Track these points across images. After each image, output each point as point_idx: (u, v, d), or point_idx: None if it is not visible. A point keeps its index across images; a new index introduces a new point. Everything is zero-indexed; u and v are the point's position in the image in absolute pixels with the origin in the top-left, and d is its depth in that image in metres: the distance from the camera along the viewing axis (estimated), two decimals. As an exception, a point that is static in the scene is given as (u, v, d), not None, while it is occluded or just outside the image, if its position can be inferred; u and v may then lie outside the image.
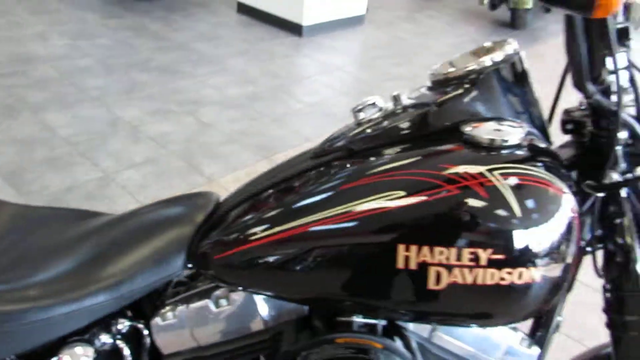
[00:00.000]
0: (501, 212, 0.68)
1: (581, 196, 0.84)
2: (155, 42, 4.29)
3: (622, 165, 0.82)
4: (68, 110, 3.13)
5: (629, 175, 0.81)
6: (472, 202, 0.68)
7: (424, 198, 0.70)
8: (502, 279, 0.70)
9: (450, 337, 0.85)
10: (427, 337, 0.85)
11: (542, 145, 0.78)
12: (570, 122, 0.89)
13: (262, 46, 4.51)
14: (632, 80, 0.81)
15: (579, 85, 0.79)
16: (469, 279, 0.70)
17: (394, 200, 0.71)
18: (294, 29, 4.83)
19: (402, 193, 0.71)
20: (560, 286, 0.75)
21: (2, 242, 0.90)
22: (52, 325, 0.81)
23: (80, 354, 0.83)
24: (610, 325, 0.92)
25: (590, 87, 0.77)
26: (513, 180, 0.69)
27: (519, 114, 0.82)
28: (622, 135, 0.81)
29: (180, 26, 4.70)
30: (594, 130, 0.84)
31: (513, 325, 0.87)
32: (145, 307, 0.91)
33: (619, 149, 0.81)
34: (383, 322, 0.83)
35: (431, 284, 0.71)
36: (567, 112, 0.91)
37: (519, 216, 0.68)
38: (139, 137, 2.94)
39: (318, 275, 0.75)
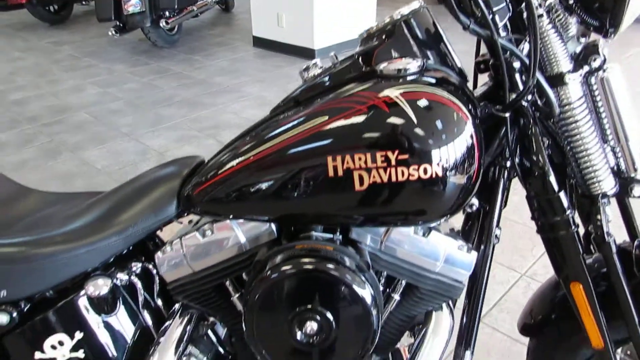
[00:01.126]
0: (400, 120, 0.86)
1: (495, 121, 1.00)
2: (178, 80, 4.66)
3: (521, 87, 0.97)
4: (103, 146, 3.46)
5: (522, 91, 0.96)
6: (378, 116, 0.87)
7: (341, 118, 0.89)
8: (411, 175, 0.87)
9: (397, 246, 1.01)
10: (377, 248, 1.02)
11: (448, 76, 0.96)
12: (482, 62, 1.06)
13: (278, 72, 4.81)
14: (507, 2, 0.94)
15: (455, 18, 0.90)
16: (385, 178, 0.88)
17: (321, 124, 0.90)
18: (307, 53, 5.12)
19: (326, 117, 0.90)
20: (469, 190, 0.92)
21: (31, 215, 1.14)
22: (75, 261, 1.02)
23: (101, 285, 1.04)
24: (540, 230, 1.06)
25: (463, 19, 0.92)
26: (411, 96, 0.87)
27: (432, 56, 1.00)
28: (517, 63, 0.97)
29: (201, 65, 5.08)
30: (495, 62, 1.01)
31: (452, 235, 1.03)
32: (153, 251, 1.13)
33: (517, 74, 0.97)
34: (339, 237, 1.01)
35: (357, 186, 0.89)
36: (481, 54, 1.07)
37: (415, 122, 0.86)
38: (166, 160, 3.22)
39: (277, 195, 0.94)
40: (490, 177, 1.07)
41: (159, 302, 1.13)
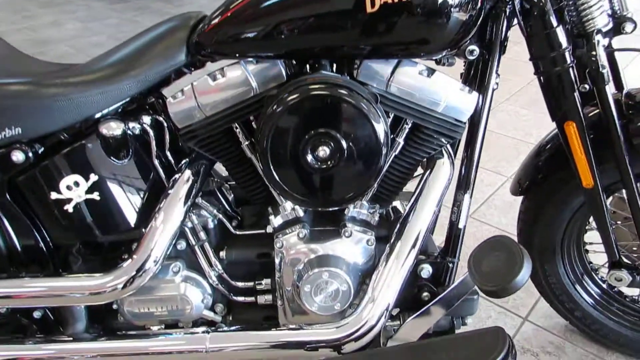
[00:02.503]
0: None
1: None
2: (159, 17, 4.57)
3: None
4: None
5: None
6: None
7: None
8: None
9: (402, 86, 1.05)
10: (384, 89, 1.05)
11: None
12: None
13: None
14: None
15: None
16: (397, -1, 0.91)
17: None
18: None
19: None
20: (469, 27, 0.98)
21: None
22: (88, 103, 1.04)
23: (114, 127, 1.06)
24: (538, 70, 1.11)
25: None
26: None
27: None
28: None
29: (181, 3, 4.97)
30: None
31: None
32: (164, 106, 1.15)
33: None
34: (346, 77, 1.04)
35: (368, 8, 0.92)
36: None
37: None
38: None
39: (286, 27, 0.97)
40: (490, 26, 1.10)
41: (170, 156, 1.16)
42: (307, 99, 0.97)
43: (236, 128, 1.10)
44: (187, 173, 1.12)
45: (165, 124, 1.13)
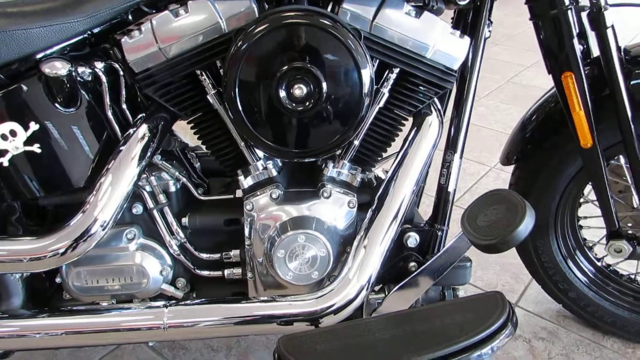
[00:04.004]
0: None
1: None
2: None
3: None
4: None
5: None
6: None
7: None
8: None
9: (388, 26, 0.95)
10: (367, 30, 0.95)
11: None
12: None
13: None
14: None
15: None
16: None
17: None
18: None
19: None
20: None
21: None
22: (28, 38, 0.90)
23: (59, 67, 0.92)
24: (534, 14, 1.02)
25: None
26: None
27: None
28: None
29: None
30: None
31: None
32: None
33: None
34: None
35: None
36: None
37: None
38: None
39: None
40: None
41: (126, 110, 1.02)
42: (284, 27, 0.86)
43: (201, 75, 0.98)
44: (143, 128, 0.99)
45: (121, 72, 1.00)
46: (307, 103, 0.89)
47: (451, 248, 0.97)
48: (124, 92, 1.01)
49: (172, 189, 1.06)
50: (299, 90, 0.87)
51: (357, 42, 0.88)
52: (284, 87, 0.88)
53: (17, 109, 0.94)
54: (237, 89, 0.88)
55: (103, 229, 0.94)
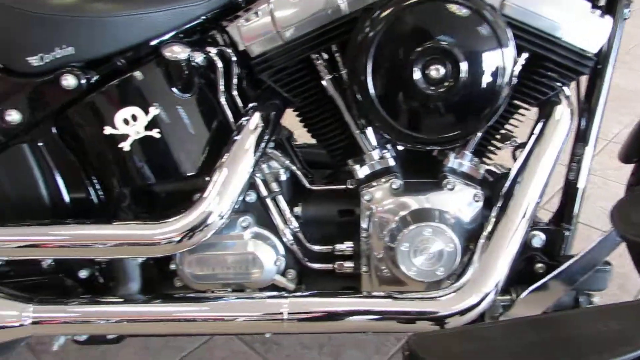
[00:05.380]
0: None
1: None
2: None
3: None
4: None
5: None
6: None
7: None
8: None
9: (520, 5, 0.88)
10: (497, 9, 0.88)
11: None
12: None
13: None
14: None
15: None
16: None
17: None
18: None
19: None
20: None
21: None
22: (149, 22, 0.90)
23: (178, 51, 0.90)
24: None
25: None
26: None
27: None
28: None
29: None
30: None
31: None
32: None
33: None
34: None
35: None
36: None
37: None
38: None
39: None
40: None
41: (236, 96, 1.00)
42: (418, 5, 0.81)
43: (317, 59, 0.94)
44: (256, 117, 0.95)
45: (233, 58, 0.97)
46: (445, 84, 0.83)
47: (597, 248, 0.89)
48: (234, 79, 0.98)
49: (283, 177, 1.02)
50: (436, 71, 0.82)
51: (497, 15, 0.82)
52: (420, 68, 0.83)
53: (139, 94, 0.93)
54: (368, 73, 0.83)
55: (221, 219, 0.91)
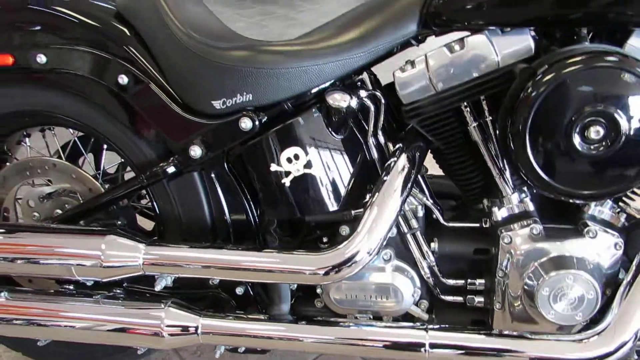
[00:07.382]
0: None
1: None
2: (284, 22, 4.67)
3: None
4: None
5: None
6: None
7: None
8: None
9: None
10: None
11: None
12: None
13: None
14: None
15: None
16: None
17: None
18: None
19: None
20: None
21: None
22: (320, 71, 0.99)
23: (339, 99, 0.99)
24: None
25: None
26: None
27: None
28: None
29: (304, 8, 5.05)
30: None
31: None
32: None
33: None
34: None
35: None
36: None
37: None
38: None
39: None
40: None
41: (381, 135, 1.07)
42: (580, 71, 0.84)
43: (465, 107, 1.00)
44: (403, 159, 1.02)
45: (382, 101, 1.05)
46: (604, 144, 0.87)
47: None
48: (381, 120, 1.06)
49: (420, 213, 1.09)
50: (596, 133, 0.85)
51: None
52: (578, 130, 0.86)
53: (302, 135, 1.03)
54: (527, 129, 0.87)
55: (369, 255, 0.98)
